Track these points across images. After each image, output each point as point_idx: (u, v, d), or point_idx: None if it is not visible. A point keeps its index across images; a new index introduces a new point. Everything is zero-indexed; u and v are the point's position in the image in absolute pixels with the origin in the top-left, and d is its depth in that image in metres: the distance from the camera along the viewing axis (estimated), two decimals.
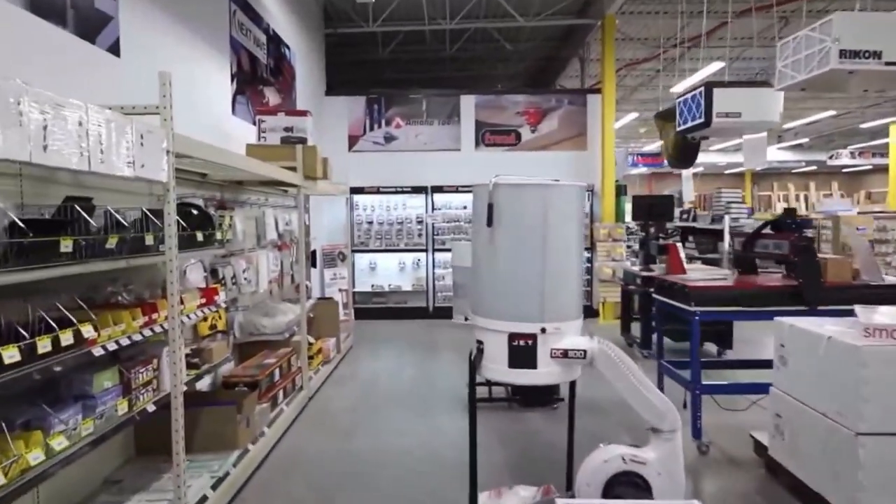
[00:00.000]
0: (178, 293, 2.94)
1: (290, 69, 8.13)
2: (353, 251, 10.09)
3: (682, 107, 5.84)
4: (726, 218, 10.10)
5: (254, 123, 5.99)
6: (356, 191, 10.05)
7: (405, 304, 10.43)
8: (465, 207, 10.46)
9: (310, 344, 6.01)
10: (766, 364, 5.27)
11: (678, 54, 13.15)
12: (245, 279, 5.26)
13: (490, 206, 2.75)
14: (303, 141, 5.48)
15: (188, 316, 3.52)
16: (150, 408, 3.01)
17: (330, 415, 5.29)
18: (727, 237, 9.97)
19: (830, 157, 26.19)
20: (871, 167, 30.15)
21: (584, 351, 2.75)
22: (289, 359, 5.30)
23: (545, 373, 2.77)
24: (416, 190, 10.32)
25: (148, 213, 3.19)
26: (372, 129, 10.48)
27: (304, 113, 5.64)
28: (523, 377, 2.80)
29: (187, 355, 3.80)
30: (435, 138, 10.49)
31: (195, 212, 3.84)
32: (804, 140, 25.60)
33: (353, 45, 11.45)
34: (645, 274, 7.20)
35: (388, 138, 10.49)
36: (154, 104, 2.84)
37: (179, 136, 2.95)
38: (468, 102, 10.49)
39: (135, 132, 2.51)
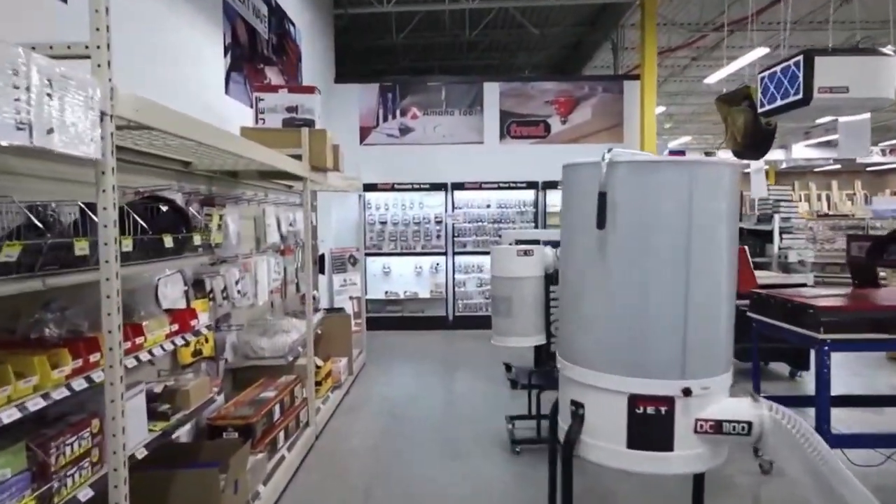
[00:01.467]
0: (120, 327, 1.95)
1: (296, 49, 7.16)
2: (366, 255, 9.10)
3: (768, 83, 4.83)
4: (776, 217, 9.14)
5: (251, 106, 5.02)
6: (368, 188, 9.03)
7: (422, 312, 9.45)
8: (488, 206, 9.49)
9: (317, 367, 5.04)
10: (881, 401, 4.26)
11: (715, 42, 12.14)
12: (238, 292, 4.30)
13: (602, 198, 1.76)
14: (309, 123, 4.50)
15: (151, 351, 2.55)
16: (85, 494, 2.04)
17: (342, 459, 4.31)
18: (776, 238, 9.02)
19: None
20: None
21: (748, 423, 1.75)
22: (292, 389, 4.32)
23: (685, 457, 1.78)
24: (435, 187, 9.34)
25: (86, 209, 2.22)
26: (386, 119, 9.51)
27: (311, 89, 4.66)
28: (651, 463, 1.80)
29: (153, 400, 2.84)
30: (455, 130, 9.50)
31: (165, 208, 2.86)
32: (835, 136, 24.43)
33: (363, 30, 10.49)
34: None
35: (404, 130, 9.51)
36: (82, 42, 1.86)
37: (127, 94, 1.97)
38: (492, 90, 9.49)
39: (35, 75, 1.54)
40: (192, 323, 2.91)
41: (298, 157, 4.44)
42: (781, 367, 6.40)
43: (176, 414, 2.79)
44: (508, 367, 6.85)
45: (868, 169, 31.52)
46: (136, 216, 2.46)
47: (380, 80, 9.61)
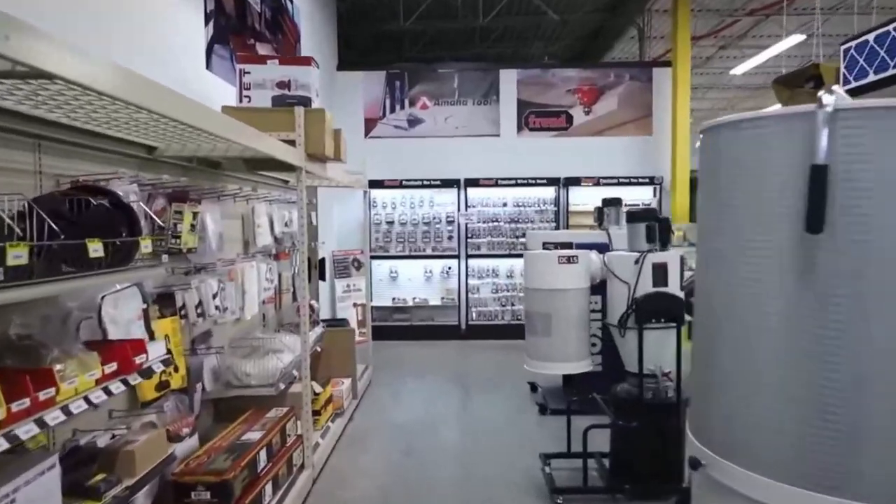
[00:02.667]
0: None
1: (294, 28, 6.39)
2: (371, 258, 8.32)
3: (856, 55, 4.03)
4: None
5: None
6: (374, 184, 8.23)
7: (432, 321, 8.66)
8: (504, 204, 8.68)
9: (315, 394, 4.26)
10: None
11: (744, 30, 11.35)
12: (217, 307, 3.52)
13: (819, 177, 0.96)
14: (305, 102, 3.72)
15: (67, 408, 1.77)
16: None
17: None
18: None
19: None
20: None
21: None
22: (283, 426, 3.54)
23: None
24: (446, 183, 8.54)
25: None
26: (393, 110, 8.72)
27: (306, 61, 3.87)
28: None
29: (87, 462, 2.07)
30: (469, 121, 8.71)
31: (96, 202, 2.08)
32: None
33: (368, 15, 9.70)
34: None
35: (413, 122, 8.72)
36: None
37: None
38: (509, 78, 8.69)
39: None
40: (138, 359, 2.12)
41: (292, 143, 3.66)
42: None
43: (112, 488, 2.02)
44: (534, 387, 6.07)
45: None
46: (41, 213, 1.68)
47: (387, 68, 8.83)
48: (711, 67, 13.98)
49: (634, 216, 3.62)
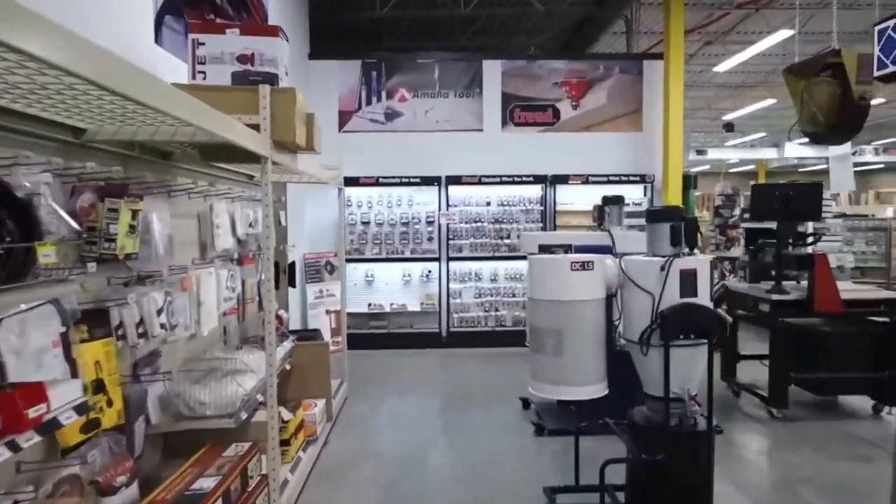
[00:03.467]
0: None
1: (261, 8, 5.77)
2: (346, 260, 7.71)
3: (895, 35, 3.60)
4: None
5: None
6: (349, 182, 7.56)
7: (411, 328, 8.11)
8: (487, 203, 8.16)
9: (284, 422, 3.67)
10: None
11: (731, 25, 11.05)
12: (163, 324, 2.91)
13: None
14: (271, 79, 3.14)
15: None
16: None
17: None
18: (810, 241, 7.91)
19: (854, 154, 24.29)
20: (882, 165, 28.45)
21: None
22: (245, 466, 2.95)
23: None
24: (426, 181, 7.98)
25: None
26: (369, 102, 8.14)
27: (273, 31, 3.28)
28: None
29: None
30: (450, 115, 8.17)
31: None
32: None
33: (341, 2, 9.09)
34: (776, 297, 4.97)
35: (390, 115, 8.16)
36: None
37: None
38: (493, 69, 8.18)
39: None
40: (34, 412, 1.53)
41: (256, 129, 3.07)
42: (858, 401, 5.22)
43: None
44: (526, 404, 5.55)
45: (856, 169, 31.00)
46: None
47: (362, 57, 8.24)
48: (693, 65, 13.68)
49: (657, 215, 3.13)
